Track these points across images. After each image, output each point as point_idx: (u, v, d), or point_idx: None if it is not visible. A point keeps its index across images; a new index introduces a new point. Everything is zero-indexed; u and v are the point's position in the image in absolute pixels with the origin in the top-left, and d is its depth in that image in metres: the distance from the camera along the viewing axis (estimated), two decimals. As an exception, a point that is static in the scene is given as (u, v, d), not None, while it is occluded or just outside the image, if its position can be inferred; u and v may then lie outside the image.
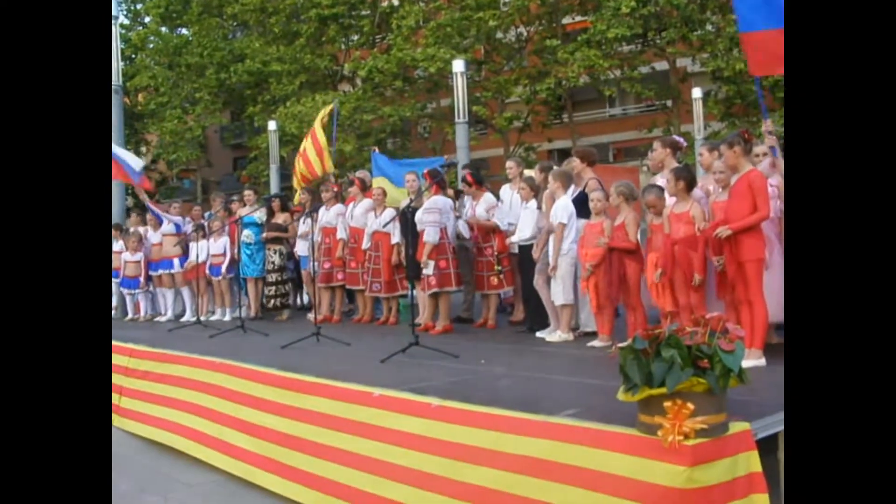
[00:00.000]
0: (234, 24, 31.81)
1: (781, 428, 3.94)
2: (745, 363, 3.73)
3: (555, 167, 7.80)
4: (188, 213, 12.03)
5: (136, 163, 11.21)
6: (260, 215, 10.54)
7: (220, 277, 10.67)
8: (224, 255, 10.60)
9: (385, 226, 8.57)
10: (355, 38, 28.31)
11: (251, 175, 28.12)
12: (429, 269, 8.00)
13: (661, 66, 25.55)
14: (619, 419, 3.73)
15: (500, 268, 8.14)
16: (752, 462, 3.57)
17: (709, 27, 22.86)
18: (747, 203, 5.41)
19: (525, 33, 26.65)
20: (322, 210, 9.80)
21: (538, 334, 7.41)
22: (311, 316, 9.80)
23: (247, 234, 10.35)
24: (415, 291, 8.29)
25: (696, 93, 15.67)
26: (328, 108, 12.83)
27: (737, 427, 3.59)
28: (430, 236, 8.01)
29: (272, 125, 15.15)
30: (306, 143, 12.18)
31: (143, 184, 11.78)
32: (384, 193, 9.27)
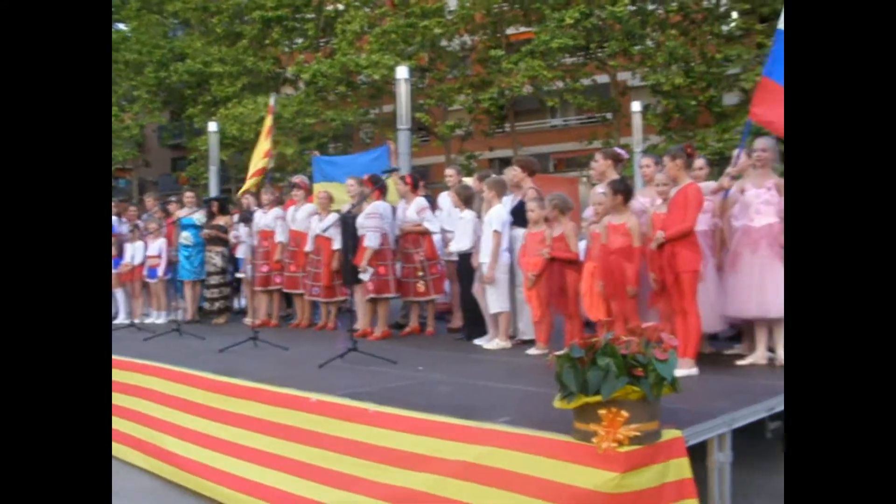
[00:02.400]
0: (175, 21, 31.33)
1: (711, 435, 4.05)
2: (678, 372, 3.81)
3: (492, 176, 7.87)
4: (124, 212, 11.81)
5: None
6: (199, 217, 10.39)
7: (157, 280, 10.49)
8: (160, 256, 10.42)
9: (326, 230, 8.53)
10: (299, 41, 28.09)
11: (191, 177, 27.69)
12: (367, 275, 7.98)
13: (603, 78, 25.91)
14: (555, 426, 3.77)
15: (422, 273, 8.14)
16: (682, 468, 3.65)
17: (649, 42, 23.26)
18: (683, 214, 5.54)
19: (469, 42, 26.78)
20: (260, 213, 9.71)
21: (476, 342, 7.45)
22: (248, 320, 9.71)
23: (185, 236, 10.19)
24: (353, 297, 8.26)
25: (636, 106, 15.92)
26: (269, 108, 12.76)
27: (669, 434, 3.67)
28: (371, 241, 7.99)
29: (213, 126, 14.94)
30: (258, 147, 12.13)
31: None
32: (329, 197, 9.22)
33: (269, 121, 12.35)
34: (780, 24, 6.05)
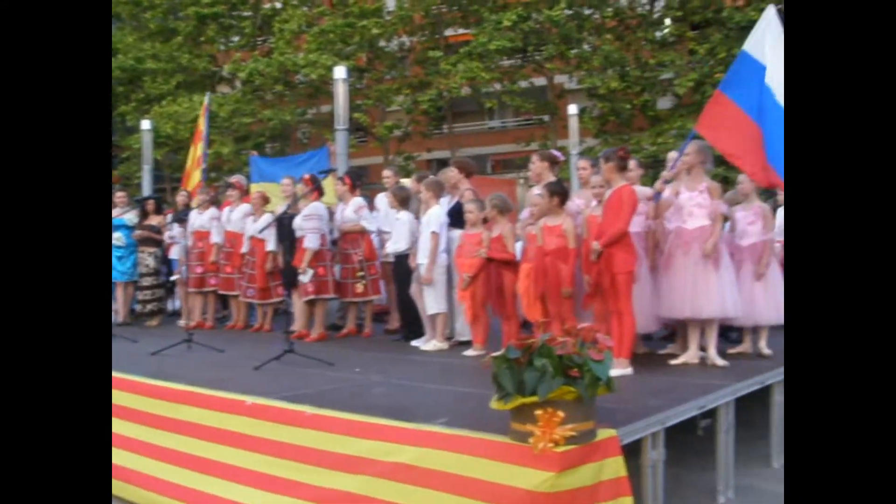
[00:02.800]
0: (107, 17, 30.58)
1: (645, 433, 4.12)
2: (613, 372, 3.87)
3: (430, 177, 7.87)
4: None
5: None
6: (131, 217, 10.18)
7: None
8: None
9: (261, 231, 8.43)
10: (236, 39, 27.69)
11: (123, 176, 27.07)
12: (306, 277, 7.92)
13: (540, 81, 26.17)
14: (492, 427, 3.79)
15: (362, 273, 8.11)
16: (617, 467, 3.70)
17: (585, 46, 23.56)
18: (616, 216, 5.62)
19: (408, 43, 26.77)
20: (195, 213, 9.55)
21: (413, 343, 7.44)
22: (182, 322, 9.54)
23: (116, 237, 9.96)
24: (290, 298, 8.18)
25: (572, 109, 16.08)
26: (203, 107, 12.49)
27: (604, 434, 3.72)
28: (310, 242, 7.93)
29: (146, 125, 14.64)
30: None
31: None
32: (263, 198, 9.12)
33: (201, 123, 12.05)
34: (746, 45, 6.05)
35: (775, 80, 5.72)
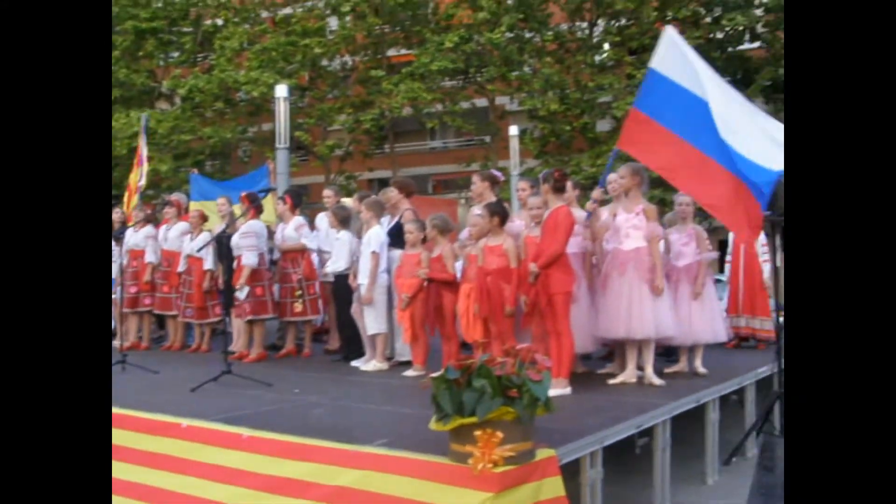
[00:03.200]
0: (42, 30, 29.95)
1: (584, 453, 4.15)
2: (552, 392, 3.90)
3: (370, 196, 7.86)
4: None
5: None
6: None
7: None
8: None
9: (199, 250, 8.31)
10: (175, 54, 27.35)
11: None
12: (242, 294, 7.82)
13: (482, 102, 26.38)
14: (432, 448, 3.78)
15: (301, 293, 8.05)
16: (556, 486, 3.72)
17: (526, 69, 23.87)
18: (553, 237, 5.68)
19: (350, 62, 26.77)
20: (130, 231, 9.38)
21: (353, 363, 7.40)
22: (116, 343, 9.32)
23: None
24: (228, 318, 8.07)
25: (513, 130, 16.30)
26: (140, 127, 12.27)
27: (543, 454, 3.74)
28: (248, 260, 7.85)
29: (81, 140, 14.30)
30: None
31: None
32: (202, 216, 8.99)
33: (140, 144, 11.80)
34: (652, 63, 6.22)
35: (696, 81, 5.90)
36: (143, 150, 11.39)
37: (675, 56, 6.10)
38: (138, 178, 11.12)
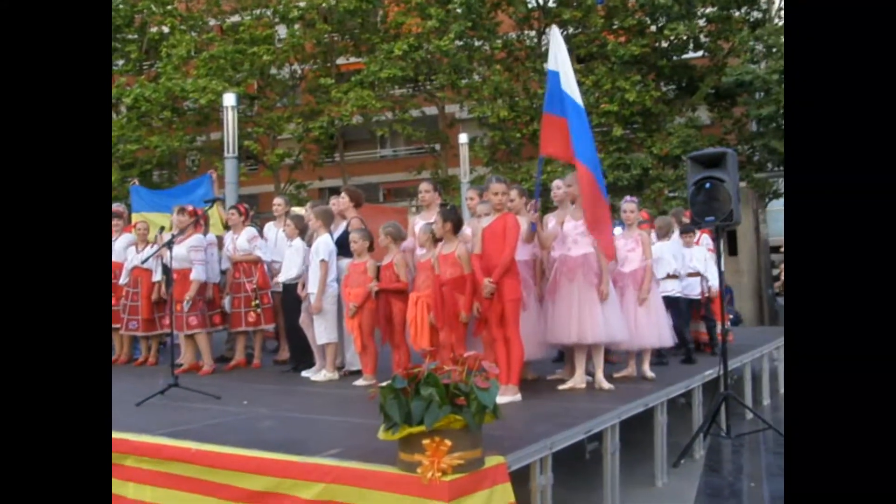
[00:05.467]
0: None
1: (533, 459, 4.17)
2: (502, 399, 3.92)
3: (319, 205, 7.83)
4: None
5: None
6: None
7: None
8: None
9: (145, 262, 8.19)
10: (120, 63, 26.95)
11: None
12: (187, 306, 7.73)
13: (431, 110, 26.44)
14: (382, 458, 3.76)
15: (257, 303, 7.99)
16: (506, 493, 3.72)
17: (475, 76, 23.97)
18: (502, 244, 5.69)
19: (300, 71, 26.65)
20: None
21: (303, 374, 7.35)
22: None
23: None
24: (177, 331, 7.96)
25: (463, 138, 16.30)
26: None
27: (492, 461, 3.74)
28: (197, 275, 7.76)
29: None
30: None
31: None
32: (147, 228, 8.87)
33: None
34: (552, 65, 6.38)
35: (570, 85, 6.14)
36: None
37: (563, 57, 6.28)
38: None
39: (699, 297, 8.48)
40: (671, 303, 7.68)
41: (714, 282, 8.29)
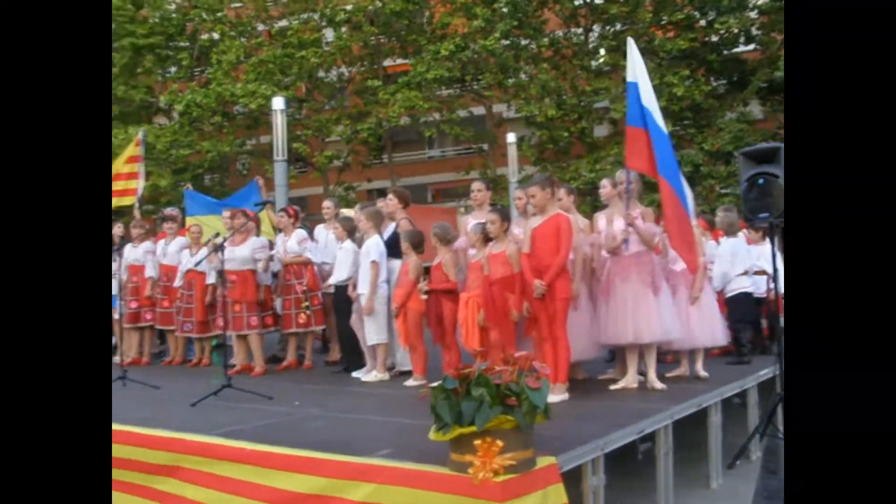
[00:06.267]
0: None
1: (585, 460, 4.13)
2: (550, 399, 3.88)
3: (369, 207, 7.86)
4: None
5: None
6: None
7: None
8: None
9: (198, 264, 8.32)
10: (173, 70, 27.44)
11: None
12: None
13: (479, 110, 26.42)
14: (433, 459, 3.76)
15: (307, 304, 8.05)
16: (559, 494, 3.70)
17: (522, 75, 23.89)
18: (554, 244, 5.66)
19: (347, 73, 26.83)
20: (129, 247, 9.38)
21: (354, 374, 7.38)
22: (116, 358, 9.32)
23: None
24: (229, 332, 8.06)
25: (511, 137, 16.28)
26: (135, 141, 12.29)
27: (544, 461, 3.72)
28: (265, 279, 7.98)
29: (79, 157, 14.33)
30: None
31: None
32: (200, 231, 9.01)
33: (136, 150, 11.91)
34: (630, 76, 6.20)
35: (649, 98, 6.01)
36: (141, 165, 11.45)
37: (640, 68, 6.16)
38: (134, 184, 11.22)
39: (765, 296, 8.31)
40: (741, 300, 7.63)
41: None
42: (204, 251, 8.54)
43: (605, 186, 6.60)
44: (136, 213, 11.09)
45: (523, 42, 23.62)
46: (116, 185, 11.39)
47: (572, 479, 3.99)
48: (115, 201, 11.13)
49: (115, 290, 9.29)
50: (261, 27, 26.37)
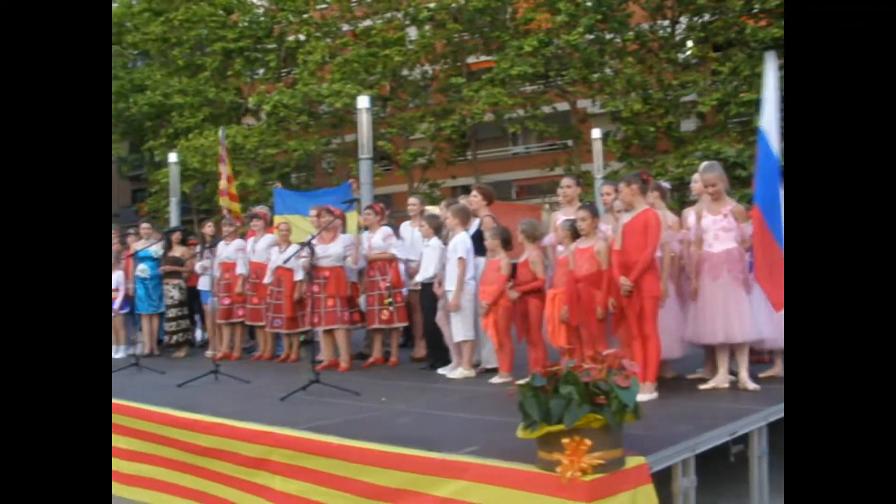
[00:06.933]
0: (135, 53, 31.16)
1: (675, 461, 4.05)
2: (639, 397, 3.81)
3: (456, 203, 7.85)
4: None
5: None
6: (157, 249, 10.26)
7: (113, 314, 10.31)
8: (117, 290, 10.25)
9: (287, 261, 8.47)
10: (261, 71, 28.09)
11: (152, 209, 27.42)
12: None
13: (563, 106, 26.21)
14: (519, 456, 3.74)
15: (390, 300, 8.10)
16: (649, 495, 3.64)
17: (607, 70, 23.61)
18: (642, 240, 5.56)
19: (430, 71, 26.99)
20: (222, 244, 9.62)
21: (440, 371, 7.40)
22: (209, 353, 9.58)
23: (142, 269, 10.03)
24: (316, 328, 8.18)
25: (596, 133, 16.04)
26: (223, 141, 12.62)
27: (633, 461, 3.66)
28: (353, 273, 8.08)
29: (173, 157, 14.82)
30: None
31: None
32: (289, 229, 9.17)
33: (219, 150, 12.29)
34: (761, 122, 5.66)
35: (768, 117, 5.55)
36: (223, 165, 11.74)
37: (772, 85, 5.56)
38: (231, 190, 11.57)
39: None
40: None
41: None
42: (293, 248, 8.69)
43: (697, 181, 6.45)
44: (225, 212, 11.37)
45: (608, 36, 23.34)
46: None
47: (662, 481, 3.91)
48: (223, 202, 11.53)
49: (208, 286, 9.56)
50: (345, 27, 26.76)
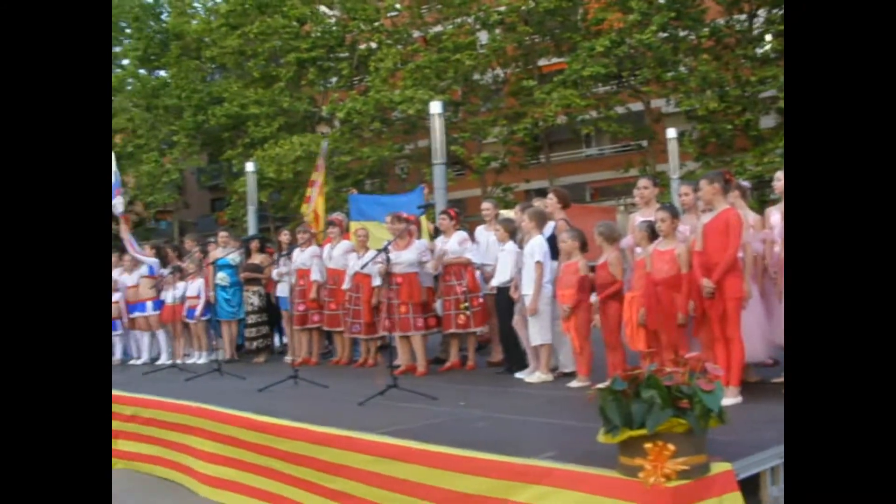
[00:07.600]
0: (213, 66, 31.95)
1: (763, 468, 3.92)
2: (723, 401, 3.71)
3: (532, 206, 7.80)
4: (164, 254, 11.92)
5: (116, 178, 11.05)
6: (234, 257, 10.46)
7: (195, 320, 10.56)
8: (199, 297, 10.50)
9: (364, 267, 8.53)
10: (334, 80, 28.49)
11: (230, 218, 28.06)
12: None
13: (636, 106, 25.88)
14: (599, 461, 3.68)
15: (466, 304, 8.07)
16: (736, 503, 3.53)
17: (682, 68, 23.22)
18: (724, 240, 5.42)
19: (502, 75, 26.95)
20: (297, 251, 9.75)
21: (517, 375, 7.35)
22: (288, 358, 9.72)
23: (221, 277, 10.26)
24: (393, 332, 8.22)
25: (671, 133, 15.76)
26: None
27: (718, 468, 3.56)
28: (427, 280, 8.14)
29: (250, 167, 15.13)
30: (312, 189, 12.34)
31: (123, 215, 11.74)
32: (366, 235, 9.25)
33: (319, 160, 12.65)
34: None
35: None
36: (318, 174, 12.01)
37: None
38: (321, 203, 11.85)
39: None
40: None
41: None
42: (370, 254, 8.75)
43: (780, 179, 6.26)
44: (307, 219, 11.54)
45: (682, 33, 22.97)
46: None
47: (750, 488, 3.79)
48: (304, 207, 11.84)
49: (286, 293, 9.70)
50: (416, 34, 26.94)
